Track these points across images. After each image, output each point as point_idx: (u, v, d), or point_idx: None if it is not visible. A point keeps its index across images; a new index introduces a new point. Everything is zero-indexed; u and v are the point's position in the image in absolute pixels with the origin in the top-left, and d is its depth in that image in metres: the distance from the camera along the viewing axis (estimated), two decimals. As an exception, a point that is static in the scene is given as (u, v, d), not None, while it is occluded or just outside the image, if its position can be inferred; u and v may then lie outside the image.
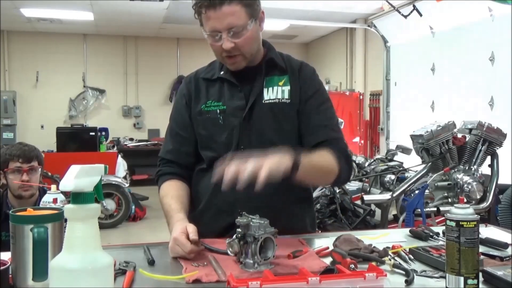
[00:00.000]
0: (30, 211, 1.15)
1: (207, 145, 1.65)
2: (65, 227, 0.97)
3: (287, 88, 1.63)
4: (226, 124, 1.61)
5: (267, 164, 1.25)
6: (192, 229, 1.36)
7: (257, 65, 1.64)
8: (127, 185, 6.38)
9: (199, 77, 1.71)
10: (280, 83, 1.64)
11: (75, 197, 0.93)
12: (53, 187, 1.43)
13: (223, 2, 1.45)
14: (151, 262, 1.29)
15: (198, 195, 1.67)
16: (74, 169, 0.96)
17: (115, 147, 8.72)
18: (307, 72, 1.68)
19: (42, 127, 9.93)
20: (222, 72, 1.65)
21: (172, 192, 1.62)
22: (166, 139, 1.76)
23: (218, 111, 1.62)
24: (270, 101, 1.62)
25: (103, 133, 8.11)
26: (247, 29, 1.50)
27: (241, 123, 1.60)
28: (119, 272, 1.19)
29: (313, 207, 1.81)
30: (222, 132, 1.61)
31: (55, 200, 1.40)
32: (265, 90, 1.63)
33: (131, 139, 10.16)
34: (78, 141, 7.26)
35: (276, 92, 1.62)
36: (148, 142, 10.01)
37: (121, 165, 7.11)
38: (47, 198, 1.40)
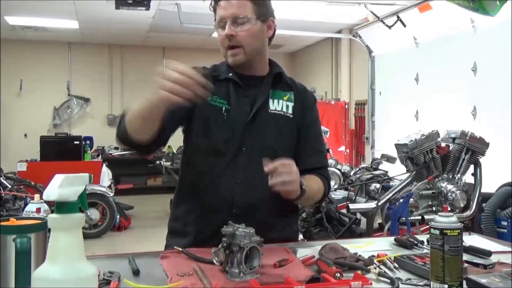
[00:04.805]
0: (13, 221, 1.13)
1: (203, 132, 1.61)
2: (48, 237, 0.95)
3: (291, 104, 1.69)
4: (229, 122, 1.61)
5: (295, 176, 1.38)
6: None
7: (263, 76, 1.69)
8: (111, 194, 6.33)
9: (206, 72, 1.64)
10: (285, 98, 1.70)
11: (59, 206, 0.92)
12: (37, 196, 1.42)
13: None
14: (136, 272, 1.27)
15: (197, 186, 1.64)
16: (58, 178, 0.95)
17: (100, 156, 8.65)
18: (311, 100, 1.78)
19: (25, 135, 9.79)
20: (230, 74, 1.66)
21: None
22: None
23: (223, 108, 1.62)
24: (276, 112, 1.66)
25: (88, 142, 8.06)
26: (250, 22, 1.58)
27: (245, 125, 1.61)
28: (104, 282, 1.18)
29: (297, 221, 1.84)
30: (223, 128, 1.61)
31: (38, 210, 1.38)
32: (270, 101, 1.67)
33: (116, 148, 10.06)
34: (62, 150, 7.18)
35: (282, 105, 1.68)
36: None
37: (106, 174, 7.06)
38: (30, 208, 1.39)
